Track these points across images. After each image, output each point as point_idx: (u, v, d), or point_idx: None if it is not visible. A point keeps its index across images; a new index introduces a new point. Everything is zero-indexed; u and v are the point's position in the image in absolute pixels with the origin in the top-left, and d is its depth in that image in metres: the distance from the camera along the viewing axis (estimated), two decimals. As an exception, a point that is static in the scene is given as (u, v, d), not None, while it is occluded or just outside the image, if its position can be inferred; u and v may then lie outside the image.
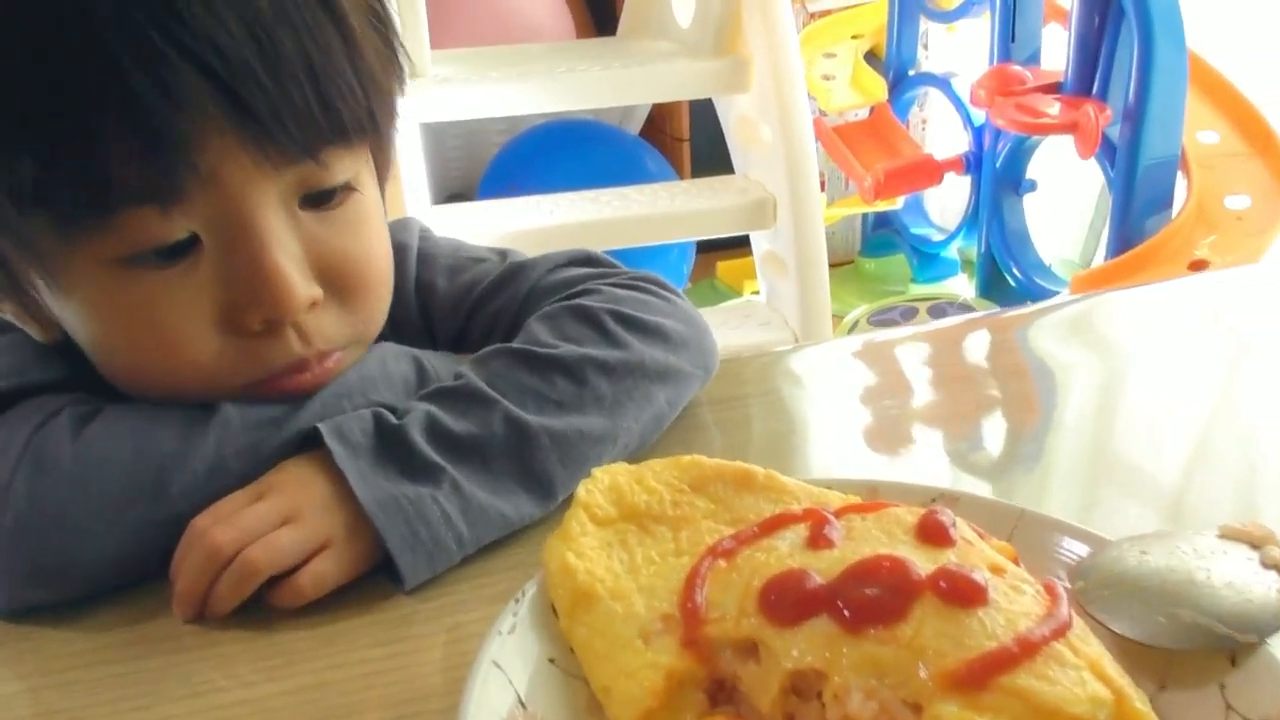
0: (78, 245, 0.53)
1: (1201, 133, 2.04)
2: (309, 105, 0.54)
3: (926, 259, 2.72)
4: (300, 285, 0.56)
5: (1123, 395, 0.77)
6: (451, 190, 2.89)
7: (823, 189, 2.99)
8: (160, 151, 0.51)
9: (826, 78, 2.64)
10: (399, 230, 0.75)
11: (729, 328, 2.02)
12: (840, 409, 0.76)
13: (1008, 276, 2.34)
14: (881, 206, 2.67)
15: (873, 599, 0.38)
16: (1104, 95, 2.01)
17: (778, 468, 0.48)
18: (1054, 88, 2.10)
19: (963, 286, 2.69)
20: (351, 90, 0.56)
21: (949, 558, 0.40)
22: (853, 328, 2.39)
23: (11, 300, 0.59)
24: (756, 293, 2.38)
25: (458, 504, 0.56)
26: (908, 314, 2.40)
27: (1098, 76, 2.02)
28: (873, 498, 0.49)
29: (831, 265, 3.01)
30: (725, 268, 2.85)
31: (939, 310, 2.37)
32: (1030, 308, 0.93)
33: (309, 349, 0.58)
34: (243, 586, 0.53)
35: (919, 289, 2.69)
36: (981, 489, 0.66)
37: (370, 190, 0.62)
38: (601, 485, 0.47)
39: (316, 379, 0.60)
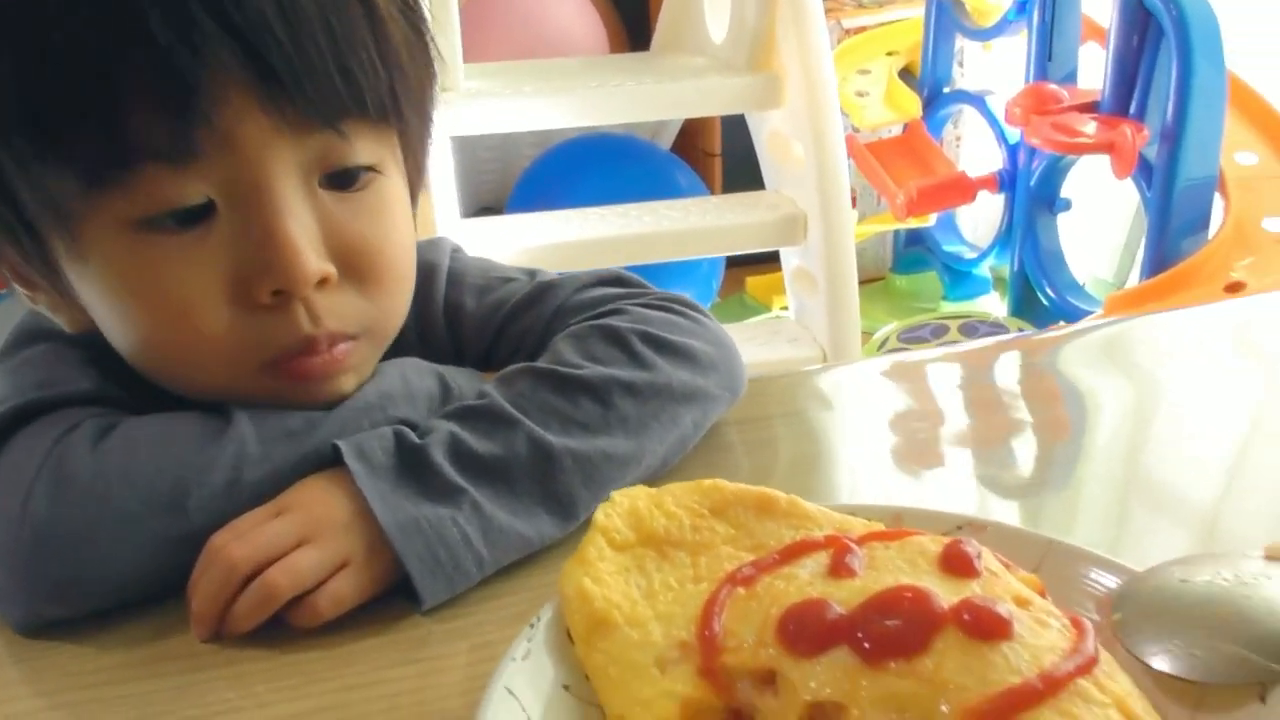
0: (96, 205, 0.54)
1: (1240, 154, 2.02)
2: (329, 69, 0.54)
3: (958, 277, 2.70)
4: (311, 257, 0.56)
5: (1155, 420, 0.76)
6: (483, 203, 2.91)
7: (854, 205, 2.99)
8: (178, 103, 0.51)
9: (860, 94, 2.63)
10: (430, 250, 0.75)
11: (757, 343, 2.01)
12: (868, 431, 0.75)
13: (1040, 295, 2.32)
14: (914, 224, 2.65)
15: (893, 631, 0.37)
16: (1141, 115, 1.98)
17: (803, 490, 0.47)
18: (1091, 107, 2.08)
19: (994, 305, 2.67)
20: (373, 65, 0.56)
21: (973, 589, 0.39)
22: (882, 345, 2.38)
23: (40, 272, 0.59)
24: (785, 308, 2.37)
25: (478, 526, 0.56)
26: (938, 331, 2.38)
27: (1135, 96, 2.00)
28: (897, 525, 0.48)
29: (862, 282, 3.00)
30: (755, 283, 2.84)
31: (970, 328, 2.35)
32: (1062, 330, 0.92)
33: (318, 328, 0.58)
34: (263, 609, 0.52)
35: (950, 307, 2.66)
36: (1010, 513, 0.64)
37: (395, 179, 0.62)
38: (620, 509, 0.46)
39: (326, 366, 0.59)
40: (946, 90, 2.58)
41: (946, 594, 0.39)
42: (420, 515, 0.55)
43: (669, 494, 0.48)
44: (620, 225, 1.93)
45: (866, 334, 2.53)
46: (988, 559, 0.42)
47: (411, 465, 0.56)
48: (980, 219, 2.81)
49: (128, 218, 0.54)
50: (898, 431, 0.75)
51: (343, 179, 0.58)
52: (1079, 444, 0.73)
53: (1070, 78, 2.24)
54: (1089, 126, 2.00)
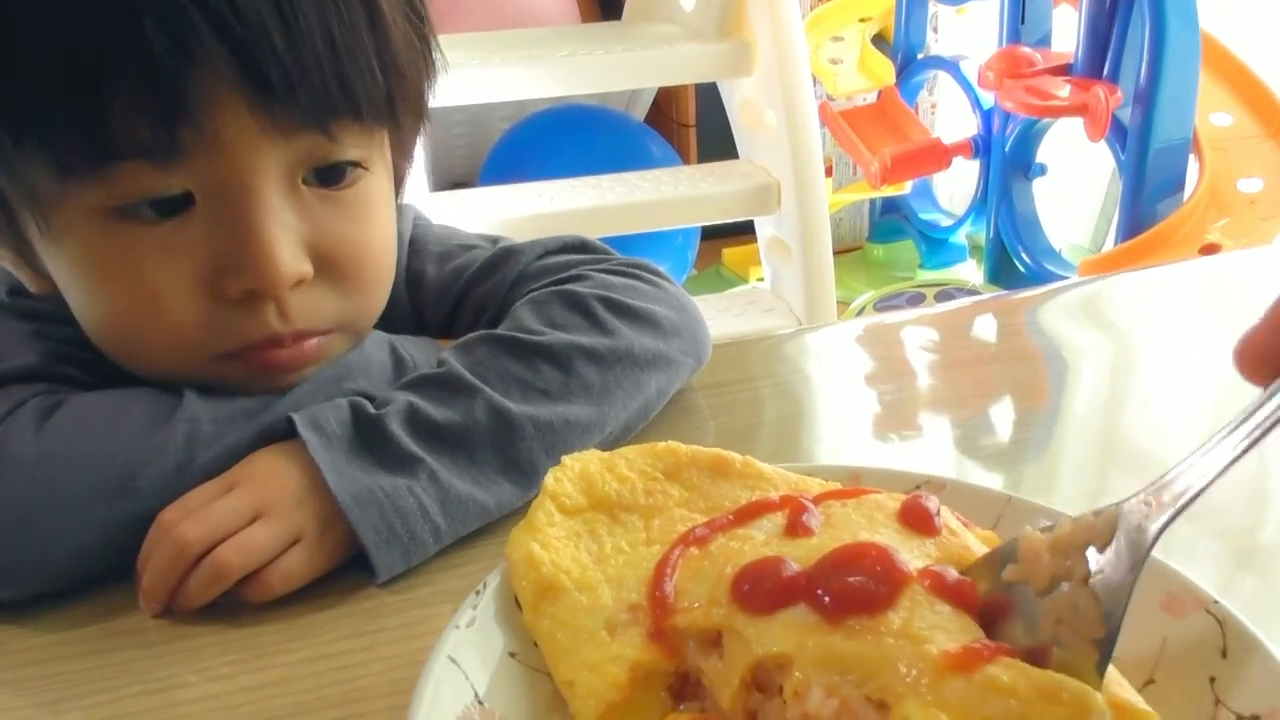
0: (71, 191, 0.52)
1: (1214, 115, 2.01)
2: (324, 80, 0.53)
3: (935, 245, 2.69)
4: (287, 259, 0.54)
5: (1132, 379, 0.76)
6: (456, 177, 2.88)
7: (830, 174, 2.98)
8: (165, 106, 0.50)
9: (834, 61, 2.61)
10: None
11: (732, 314, 2.00)
12: (842, 394, 0.74)
13: (1017, 262, 2.31)
14: (889, 192, 2.64)
15: (856, 588, 0.36)
16: (1115, 77, 1.97)
17: (775, 453, 0.47)
18: (1064, 69, 2.07)
19: (971, 272, 2.67)
20: (372, 72, 0.55)
21: (931, 546, 0.39)
22: (859, 314, 2.37)
23: (8, 243, 0.57)
24: (762, 279, 2.36)
25: (436, 495, 0.55)
26: (915, 300, 2.37)
27: (1108, 58, 1.99)
28: (855, 484, 0.47)
29: (839, 251, 3.00)
30: (731, 254, 2.83)
31: (946, 296, 2.34)
32: (1037, 290, 0.92)
33: (287, 326, 0.57)
34: (214, 587, 0.51)
35: (927, 275, 2.66)
36: (989, 474, 0.64)
37: (381, 176, 0.61)
38: (571, 474, 0.45)
39: (293, 358, 0.58)
40: (920, 56, 2.57)
41: (907, 550, 0.38)
42: (376, 485, 0.54)
43: (622, 457, 0.47)
44: (592, 197, 1.91)
45: (844, 304, 2.53)
46: (946, 516, 0.41)
47: (367, 436, 0.55)
48: (956, 186, 2.80)
49: (104, 206, 0.53)
50: (872, 394, 0.74)
51: (328, 176, 0.57)
52: (1057, 404, 0.73)
53: (1044, 41, 2.22)
54: (1062, 89, 1.99)
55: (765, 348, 0.82)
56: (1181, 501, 0.35)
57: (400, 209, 0.76)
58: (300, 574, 0.52)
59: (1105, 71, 1.99)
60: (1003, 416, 0.71)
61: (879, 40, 2.67)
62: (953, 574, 0.37)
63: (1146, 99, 1.88)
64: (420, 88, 0.61)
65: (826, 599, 0.35)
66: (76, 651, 0.50)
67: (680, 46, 1.98)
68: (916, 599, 0.35)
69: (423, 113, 0.63)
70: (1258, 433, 0.35)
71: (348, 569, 0.54)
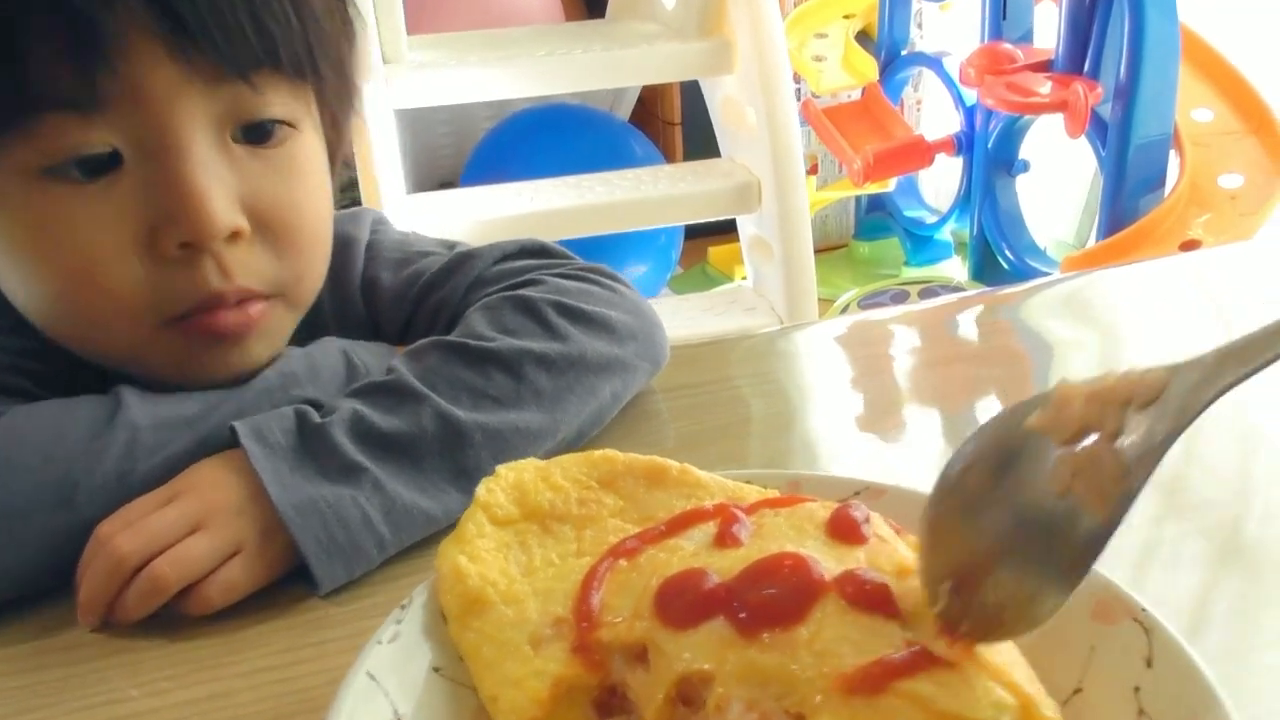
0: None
1: (1196, 110, 2.01)
2: (240, 20, 0.53)
3: (920, 242, 2.69)
4: (221, 208, 0.54)
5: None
6: (441, 177, 2.87)
7: (815, 172, 2.98)
8: (82, 51, 0.50)
9: (818, 59, 2.60)
10: (349, 223, 0.73)
11: (714, 313, 2.00)
12: (819, 394, 0.74)
13: (1000, 259, 2.31)
14: (873, 189, 2.64)
15: (769, 600, 0.35)
16: (1095, 73, 1.97)
17: (737, 457, 0.46)
18: (1045, 66, 2.07)
19: (956, 269, 2.66)
20: (286, 17, 0.55)
21: (858, 556, 0.38)
22: (842, 312, 2.37)
23: None
24: (746, 278, 2.36)
25: (380, 505, 0.54)
26: (899, 298, 2.37)
27: (1089, 54, 1.98)
28: (795, 491, 0.46)
29: (825, 249, 3.00)
30: (717, 253, 2.82)
31: (930, 293, 2.34)
32: (1020, 287, 0.92)
33: (228, 284, 0.56)
34: (150, 600, 0.51)
35: (912, 272, 2.66)
36: None
37: (311, 138, 0.61)
38: (505, 483, 0.45)
39: (237, 323, 0.58)
40: (904, 53, 2.56)
41: (831, 561, 0.38)
42: (319, 495, 0.53)
43: (557, 465, 0.46)
44: (573, 196, 1.91)
45: (829, 301, 2.52)
46: (877, 524, 0.41)
47: (311, 445, 0.55)
48: (942, 183, 2.80)
49: (31, 166, 0.52)
50: (851, 394, 0.74)
51: (256, 133, 0.57)
52: None
53: (1026, 37, 2.22)
54: (1043, 86, 1.99)
55: (746, 347, 0.82)
56: (1244, 370, 0.31)
57: (355, 213, 0.76)
58: (240, 586, 0.52)
59: (1086, 68, 1.99)
60: (987, 414, 0.70)
61: (863, 37, 2.66)
62: (874, 578, 0.36)
63: (1127, 95, 1.88)
64: (339, 41, 0.61)
65: (742, 613, 0.35)
66: (14, 669, 0.50)
67: (660, 45, 1.97)
68: (829, 610, 0.34)
69: (346, 73, 0.63)
70: None
71: (291, 580, 0.53)
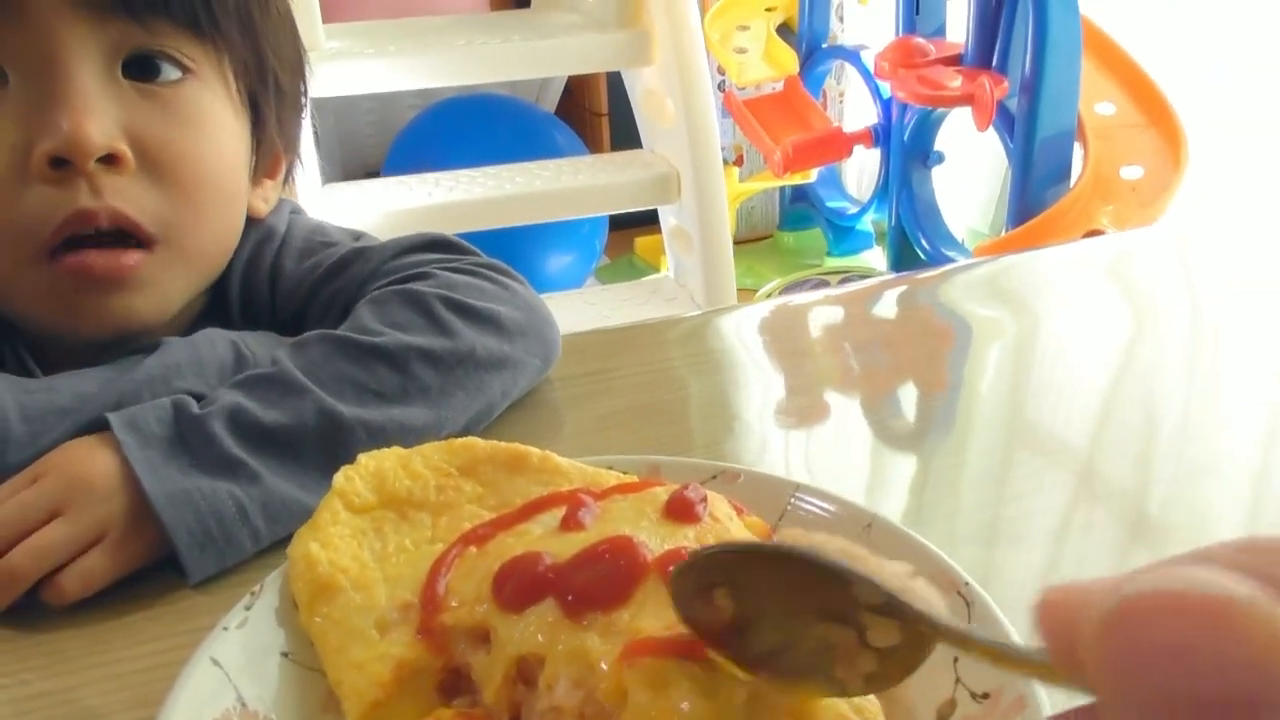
0: None
1: (1099, 104, 2.07)
2: None
3: (842, 232, 2.73)
4: (96, 126, 0.55)
5: (1030, 356, 0.78)
6: (367, 164, 2.85)
7: (741, 164, 3.00)
8: None
9: (740, 51, 2.63)
10: (271, 215, 0.73)
11: (635, 304, 2.01)
12: (737, 379, 0.74)
13: (917, 248, 2.36)
14: (795, 180, 2.67)
15: (594, 583, 0.37)
16: (1003, 67, 2.02)
17: (654, 443, 0.46)
18: (955, 60, 2.11)
19: (878, 259, 2.71)
20: None
21: (688, 535, 0.40)
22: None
23: None
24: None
25: (257, 498, 0.54)
26: (819, 287, 2.40)
27: (997, 48, 2.03)
28: (655, 476, 0.48)
29: (750, 240, 3.03)
30: (644, 244, 2.84)
31: (850, 283, 2.38)
32: (936, 271, 0.94)
33: (97, 201, 0.57)
34: (7, 593, 0.50)
35: (834, 262, 2.70)
36: (892, 455, 0.65)
37: (217, 92, 0.62)
38: (364, 471, 0.45)
39: (109, 267, 0.58)
40: (825, 46, 2.60)
41: (663, 542, 0.39)
42: (193, 487, 0.53)
43: (419, 454, 0.47)
44: (493, 187, 1.91)
45: (753, 291, 2.55)
46: (715, 505, 0.42)
47: (188, 436, 0.54)
48: (864, 174, 2.84)
49: None
50: (773, 376, 0.75)
51: (144, 66, 0.57)
52: (958, 382, 0.74)
53: (939, 31, 2.26)
54: (953, 80, 2.03)
55: (673, 332, 0.82)
56: None
57: (277, 205, 0.76)
58: (101, 575, 0.51)
59: (994, 62, 2.03)
60: (908, 398, 0.72)
61: (785, 30, 2.69)
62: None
63: (1031, 89, 1.93)
64: (246, 5, 0.62)
65: (569, 596, 0.36)
66: None
67: (580, 36, 1.98)
68: (649, 590, 0.36)
69: (256, 33, 0.64)
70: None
71: (160, 568, 0.53)
